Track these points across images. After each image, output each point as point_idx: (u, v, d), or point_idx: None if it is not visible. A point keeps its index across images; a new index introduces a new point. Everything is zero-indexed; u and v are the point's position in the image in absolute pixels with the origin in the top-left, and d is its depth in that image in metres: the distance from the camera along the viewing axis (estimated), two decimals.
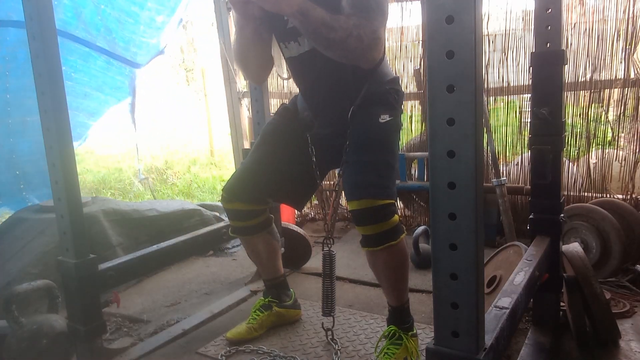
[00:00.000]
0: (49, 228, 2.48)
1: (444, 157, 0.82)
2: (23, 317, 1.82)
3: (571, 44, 2.70)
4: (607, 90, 2.68)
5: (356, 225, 1.61)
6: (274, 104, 3.36)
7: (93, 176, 5.96)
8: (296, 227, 2.75)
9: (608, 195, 2.72)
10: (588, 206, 2.42)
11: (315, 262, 2.71)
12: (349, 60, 1.51)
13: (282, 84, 3.54)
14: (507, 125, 3.00)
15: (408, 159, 3.17)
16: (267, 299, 2.00)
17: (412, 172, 3.21)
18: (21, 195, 3.14)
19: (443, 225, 0.85)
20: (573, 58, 2.70)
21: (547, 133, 1.72)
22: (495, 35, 2.91)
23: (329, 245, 1.73)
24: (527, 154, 2.90)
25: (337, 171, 1.74)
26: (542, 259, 1.61)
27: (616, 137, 2.76)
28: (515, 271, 1.48)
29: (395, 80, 1.72)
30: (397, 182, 2.06)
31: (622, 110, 2.67)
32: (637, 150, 2.66)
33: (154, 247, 2.09)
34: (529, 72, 2.74)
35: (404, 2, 3.12)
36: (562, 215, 1.77)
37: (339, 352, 1.79)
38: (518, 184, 2.95)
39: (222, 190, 1.87)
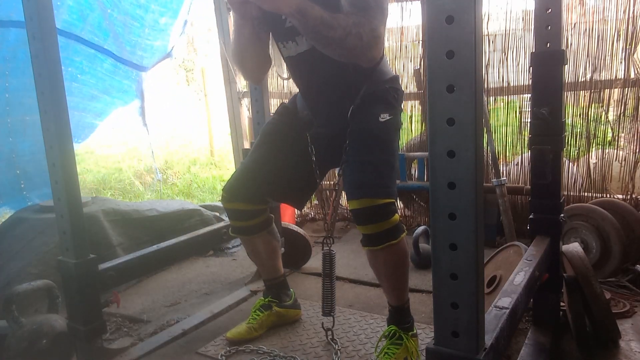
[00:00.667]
0: (49, 228, 2.48)
1: (444, 157, 0.82)
2: (23, 317, 1.82)
3: (571, 44, 2.70)
4: (607, 90, 2.68)
5: (357, 225, 1.61)
6: (274, 104, 3.36)
7: (93, 176, 5.95)
8: (296, 227, 2.75)
9: (608, 195, 2.72)
10: (588, 206, 2.42)
11: (315, 262, 2.71)
12: (348, 59, 1.51)
13: (282, 84, 3.54)
14: (507, 125, 3.00)
15: (408, 159, 3.17)
16: (267, 299, 2.00)
17: (412, 172, 3.21)
18: (22, 194, 3.14)
19: (443, 225, 0.84)
20: (573, 58, 2.70)
21: (547, 133, 1.72)
22: (495, 35, 2.91)
23: (329, 245, 1.73)
24: (527, 154, 2.90)
25: (337, 170, 1.74)
26: (542, 259, 1.61)
27: (616, 137, 2.76)
28: (515, 271, 1.48)
29: (395, 79, 1.72)
30: (397, 182, 2.06)
31: (622, 110, 2.67)
32: (637, 150, 2.66)
33: (154, 247, 2.09)
34: (529, 72, 2.74)
35: (404, 2, 3.12)
36: (562, 215, 1.77)
37: (339, 352, 1.79)
38: (518, 184, 2.95)
39: (222, 190, 1.87)
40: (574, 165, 2.84)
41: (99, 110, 3.43)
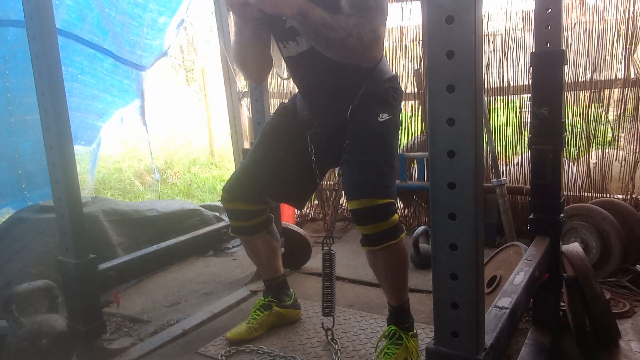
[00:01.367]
0: (49, 228, 2.48)
1: (444, 157, 0.82)
2: (23, 317, 1.82)
3: (571, 44, 2.70)
4: (607, 90, 2.68)
5: (356, 225, 1.61)
6: (274, 104, 3.36)
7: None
8: (296, 227, 2.75)
9: (608, 195, 2.72)
10: (588, 206, 2.42)
11: (315, 262, 2.71)
12: (349, 60, 1.51)
13: (282, 84, 3.55)
14: (507, 125, 3.00)
15: (408, 159, 3.17)
16: (267, 299, 2.00)
17: (412, 172, 3.21)
18: (23, 194, 3.14)
19: (443, 225, 0.84)
20: (573, 58, 2.70)
21: (547, 133, 1.72)
22: (495, 35, 2.91)
23: (329, 245, 1.73)
24: (527, 154, 2.90)
25: (337, 170, 1.74)
26: (542, 259, 1.61)
27: (616, 137, 2.76)
28: (515, 271, 1.48)
29: (394, 79, 1.72)
30: (397, 182, 2.06)
31: (622, 110, 2.67)
32: (637, 150, 2.66)
33: (154, 247, 2.09)
34: (529, 72, 2.74)
35: (404, 2, 3.12)
36: (562, 215, 1.77)
37: (339, 352, 1.79)
38: (518, 184, 2.95)
39: (222, 190, 1.87)
40: (574, 165, 2.84)
41: (100, 110, 3.42)
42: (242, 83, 3.63)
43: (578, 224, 2.37)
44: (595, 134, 2.76)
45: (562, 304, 1.88)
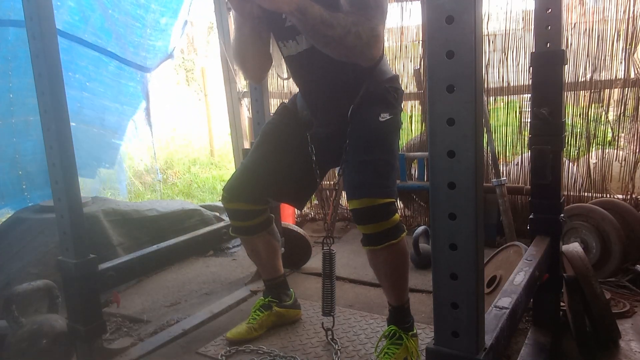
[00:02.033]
0: (49, 228, 2.48)
1: (444, 157, 0.82)
2: (23, 317, 1.82)
3: (571, 44, 2.70)
4: (607, 90, 2.68)
5: (357, 224, 1.61)
6: (274, 104, 3.36)
7: None
8: (296, 227, 2.75)
9: (608, 195, 2.72)
10: (588, 206, 2.42)
11: (315, 262, 2.71)
12: (348, 58, 1.51)
13: (282, 84, 3.54)
14: (507, 125, 3.00)
15: (408, 159, 3.17)
16: (267, 299, 2.00)
17: (412, 172, 3.22)
18: (23, 195, 3.14)
19: (443, 225, 0.84)
20: (573, 58, 2.70)
21: (547, 133, 1.72)
22: (495, 35, 2.91)
23: (329, 245, 1.73)
24: (527, 154, 2.90)
25: (337, 170, 1.74)
26: (542, 259, 1.61)
27: (616, 137, 2.76)
28: (515, 271, 1.48)
29: (395, 79, 1.72)
30: (397, 182, 2.06)
31: (622, 110, 2.67)
32: (637, 150, 2.66)
33: (154, 247, 2.09)
34: (529, 72, 2.74)
35: (404, 2, 3.12)
36: (562, 215, 1.77)
37: (339, 352, 1.79)
38: (518, 184, 2.95)
39: (222, 190, 1.87)
40: (574, 165, 2.84)
41: (114, 125, 3.39)
42: (242, 83, 3.63)
43: (578, 224, 2.37)
44: (595, 134, 2.76)
45: (562, 304, 1.88)
